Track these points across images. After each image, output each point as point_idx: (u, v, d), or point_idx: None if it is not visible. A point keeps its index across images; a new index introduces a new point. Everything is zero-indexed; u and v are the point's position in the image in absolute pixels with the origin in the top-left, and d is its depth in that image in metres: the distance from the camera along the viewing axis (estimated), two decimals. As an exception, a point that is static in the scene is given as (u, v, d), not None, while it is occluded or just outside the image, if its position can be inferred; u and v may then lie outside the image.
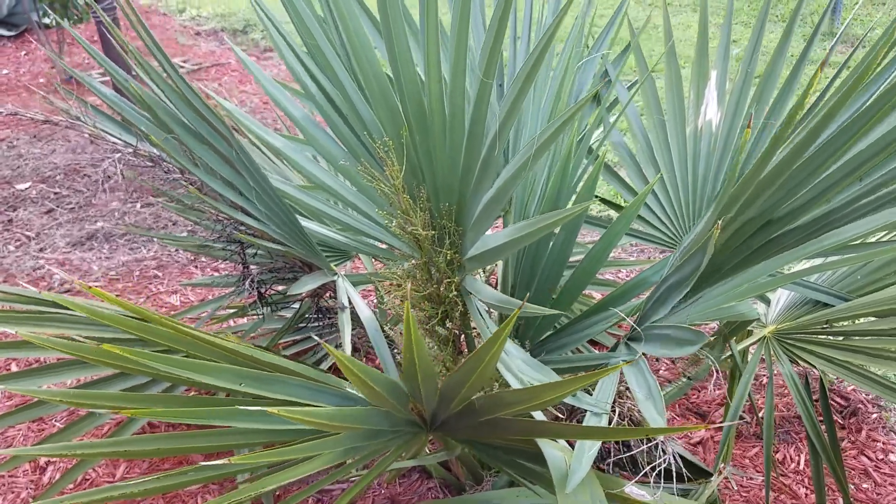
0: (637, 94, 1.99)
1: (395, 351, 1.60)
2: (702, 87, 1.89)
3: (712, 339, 1.71)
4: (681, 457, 1.60)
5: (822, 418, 1.80)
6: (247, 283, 1.48)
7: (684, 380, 1.81)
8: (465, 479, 1.80)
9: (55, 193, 3.77)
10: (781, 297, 1.86)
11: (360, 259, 2.53)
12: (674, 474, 1.14)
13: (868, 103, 0.90)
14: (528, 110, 1.78)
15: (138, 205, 3.63)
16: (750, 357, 1.76)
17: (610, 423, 1.16)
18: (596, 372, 0.89)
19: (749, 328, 1.84)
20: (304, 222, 1.70)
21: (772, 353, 1.74)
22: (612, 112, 2.07)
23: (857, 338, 1.66)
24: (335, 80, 1.35)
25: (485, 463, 1.70)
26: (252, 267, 1.60)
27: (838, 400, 2.28)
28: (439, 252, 1.43)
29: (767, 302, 1.88)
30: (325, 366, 2.14)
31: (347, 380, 1.11)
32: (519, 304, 1.27)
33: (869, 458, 2.08)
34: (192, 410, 1.01)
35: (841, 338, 1.68)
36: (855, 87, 0.85)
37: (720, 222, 1.04)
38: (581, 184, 1.66)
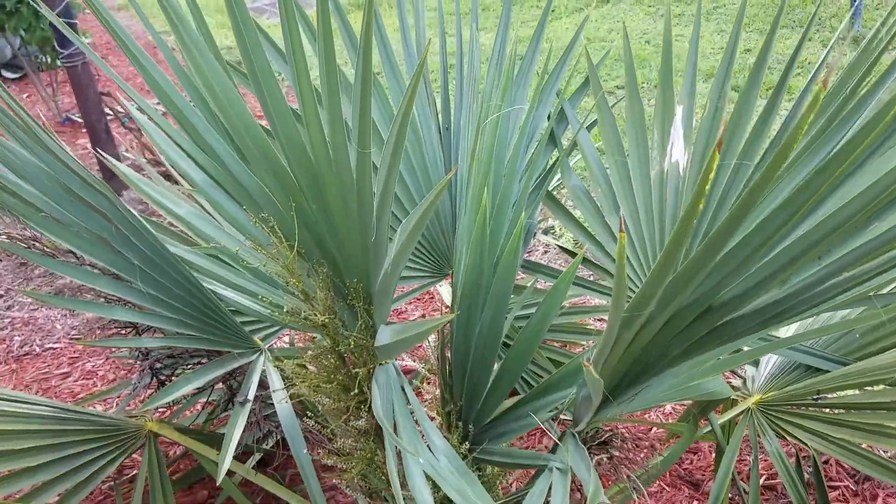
0: (597, 135, 1.78)
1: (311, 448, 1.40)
2: (667, 124, 1.68)
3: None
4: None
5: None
6: (136, 376, 1.30)
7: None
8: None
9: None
10: (770, 360, 1.64)
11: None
12: None
13: (798, 184, 0.69)
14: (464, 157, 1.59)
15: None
16: (735, 429, 1.54)
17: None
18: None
19: (734, 397, 1.62)
20: (224, 292, 1.52)
21: (756, 426, 1.51)
22: (568, 155, 1.86)
23: (853, 411, 1.43)
24: (205, 146, 1.17)
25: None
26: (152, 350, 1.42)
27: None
28: (349, 336, 1.23)
29: (756, 364, 1.66)
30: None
31: None
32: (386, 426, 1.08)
33: (885, 530, 1.84)
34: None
35: (835, 411, 1.45)
36: (776, 168, 0.64)
37: (590, 363, 0.83)
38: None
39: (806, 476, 1.94)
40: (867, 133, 0.67)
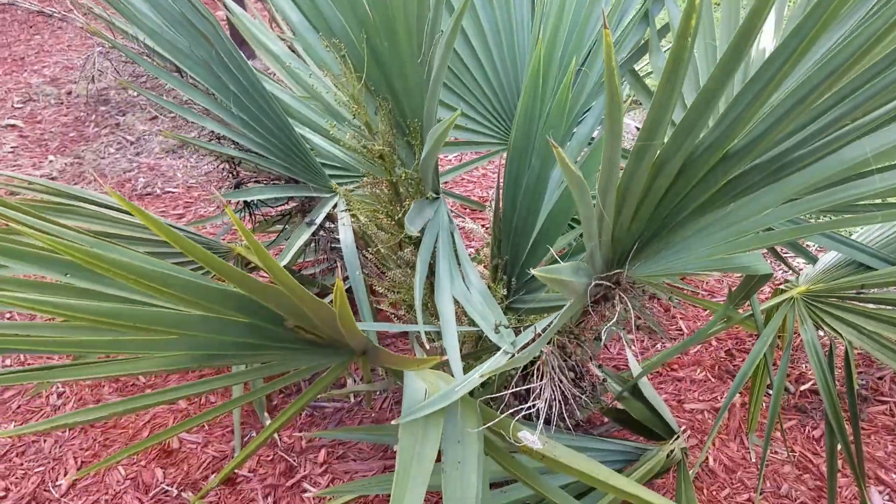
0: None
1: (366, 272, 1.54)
2: (760, 10, 1.66)
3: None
4: (655, 412, 1.47)
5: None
6: (224, 188, 1.47)
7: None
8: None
9: (162, 101, 3.95)
10: (828, 258, 1.64)
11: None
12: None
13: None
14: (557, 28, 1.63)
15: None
16: (775, 315, 1.58)
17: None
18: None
19: (783, 286, 1.65)
20: (313, 137, 1.66)
21: (797, 314, 1.54)
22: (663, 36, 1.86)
23: (889, 307, 1.44)
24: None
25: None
26: (242, 173, 1.59)
27: (907, 380, 2.02)
28: (404, 173, 1.35)
29: (814, 261, 1.67)
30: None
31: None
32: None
33: (929, 448, 1.84)
34: None
35: (874, 305, 1.46)
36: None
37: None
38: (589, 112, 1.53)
39: (857, 386, 1.96)
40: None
